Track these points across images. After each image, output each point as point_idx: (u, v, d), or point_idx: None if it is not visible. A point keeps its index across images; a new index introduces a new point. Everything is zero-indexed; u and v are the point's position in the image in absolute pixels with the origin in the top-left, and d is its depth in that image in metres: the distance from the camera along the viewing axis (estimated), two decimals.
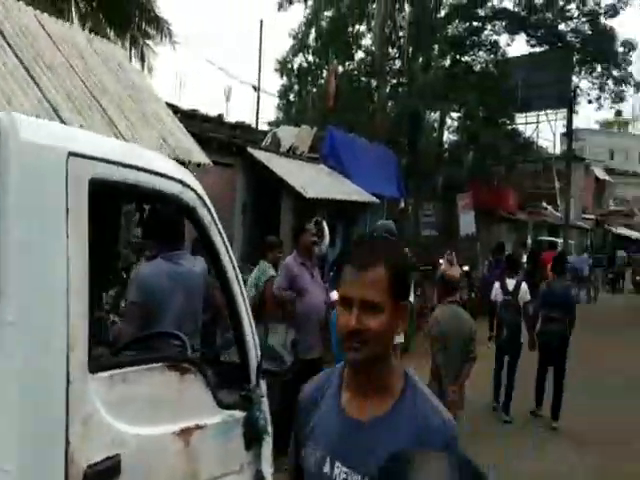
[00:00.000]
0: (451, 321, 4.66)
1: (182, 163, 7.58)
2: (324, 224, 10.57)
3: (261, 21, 20.51)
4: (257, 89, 19.02)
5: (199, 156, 7.69)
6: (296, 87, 21.58)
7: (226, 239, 2.05)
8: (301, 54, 20.83)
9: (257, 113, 18.35)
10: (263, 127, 17.26)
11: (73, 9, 13.82)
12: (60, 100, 5.74)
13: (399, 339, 5.37)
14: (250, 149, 10.19)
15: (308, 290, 5.07)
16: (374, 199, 12.42)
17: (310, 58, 20.88)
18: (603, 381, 8.91)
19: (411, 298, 5.40)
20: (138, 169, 1.67)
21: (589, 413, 7.22)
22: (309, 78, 20.95)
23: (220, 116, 12.23)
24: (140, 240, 5.21)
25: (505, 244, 19.39)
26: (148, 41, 15.03)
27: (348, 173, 12.76)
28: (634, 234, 43.53)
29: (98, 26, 12.72)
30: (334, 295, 9.30)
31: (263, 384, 2.17)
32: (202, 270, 3.13)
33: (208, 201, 1.97)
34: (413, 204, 18.13)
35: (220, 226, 2.02)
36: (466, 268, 15.65)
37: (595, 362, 10.17)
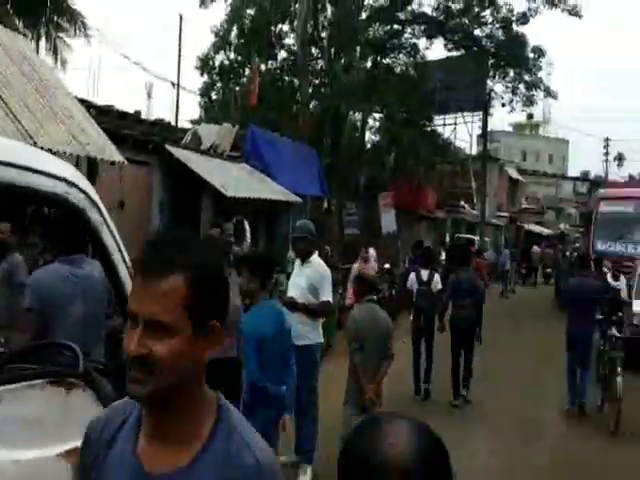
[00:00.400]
0: (368, 320, 4.66)
1: (94, 160, 7.26)
2: (245, 224, 10.45)
3: (180, 16, 20.03)
4: (177, 86, 18.56)
5: (112, 154, 7.38)
6: (218, 85, 21.24)
7: (120, 241, 1.92)
8: (223, 51, 20.52)
9: (177, 111, 17.93)
10: (184, 125, 16.85)
11: None
12: None
13: (318, 339, 5.34)
14: (168, 147, 9.89)
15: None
16: (297, 198, 12.40)
17: (232, 56, 20.61)
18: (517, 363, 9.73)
19: (329, 297, 5.37)
20: (13, 166, 1.52)
21: (504, 398, 7.82)
22: (231, 76, 20.67)
23: (137, 113, 11.82)
24: (37, 243, 4.89)
25: (424, 242, 19.94)
26: (61, 34, 14.34)
27: (270, 172, 12.67)
28: (544, 230, 45.92)
29: (5, 16, 11.96)
30: None
31: None
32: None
33: (99, 201, 1.84)
34: (336, 203, 18.25)
35: (112, 227, 1.89)
36: (387, 265, 15.95)
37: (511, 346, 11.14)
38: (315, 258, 5.34)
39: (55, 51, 14.28)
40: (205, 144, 12.44)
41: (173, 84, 18.96)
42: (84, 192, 1.76)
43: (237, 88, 20.35)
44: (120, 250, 1.90)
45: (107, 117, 9.87)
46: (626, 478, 5.63)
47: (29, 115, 6.21)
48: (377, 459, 0.94)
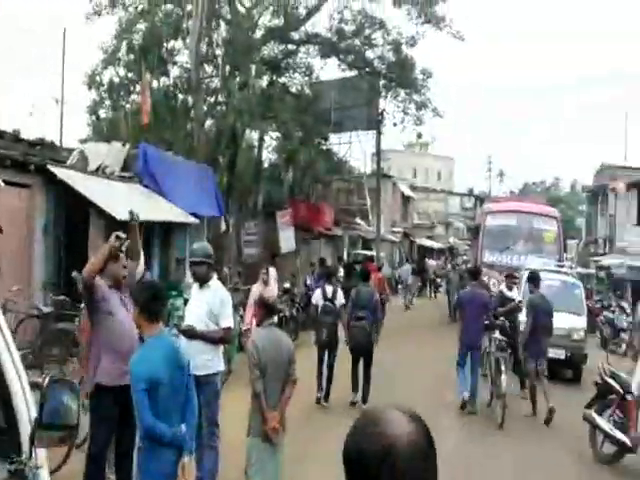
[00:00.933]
0: (269, 345, 4.49)
1: None
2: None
3: (64, 30, 19.01)
4: (61, 103, 17.56)
5: None
6: (107, 102, 20.34)
7: None
8: (112, 67, 19.72)
9: (61, 129, 16.89)
10: (72, 145, 15.90)
11: None
12: None
13: (219, 367, 5.11)
14: (51, 167, 9.26)
15: (118, 314, 4.59)
16: (193, 219, 12.04)
17: (122, 72, 19.85)
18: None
19: (230, 323, 5.17)
20: None
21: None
22: (121, 93, 19.88)
23: (16, 132, 11.01)
24: None
25: (325, 259, 20.13)
26: None
27: (165, 192, 12.24)
28: (435, 244, 48.05)
29: None
30: None
31: (42, 452, 1.79)
32: None
33: None
34: (235, 223, 17.99)
35: None
36: (287, 285, 15.88)
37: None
38: (214, 282, 5.13)
39: None
40: (93, 164, 11.81)
41: (57, 101, 17.90)
42: None
43: (128, 106, 19.61)
44: None
45: None
46: (508, 463, 6.81)
47: None
48: (384, 445, 1.04)
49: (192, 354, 4.52)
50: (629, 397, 6.63)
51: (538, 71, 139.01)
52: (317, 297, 8.75)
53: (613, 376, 7.01)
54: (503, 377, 8.06)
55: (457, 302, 10.06)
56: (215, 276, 5.25)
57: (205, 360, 4.81)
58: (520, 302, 9.84)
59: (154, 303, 3.71)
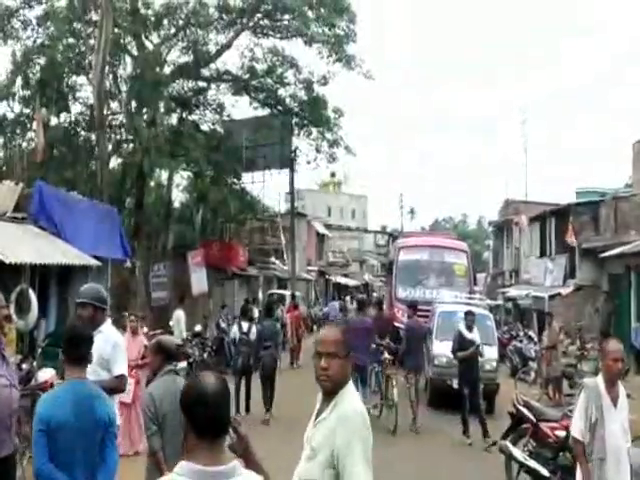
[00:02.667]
0: (168, 396, 3.97)
1: None
2: (30, 293, 9.11)
3: None
4: None
5: None
6: (0, 140, 19.07)
7: None
8: (5, 102, 18.56)
9: None
10: None
11: None
12: None
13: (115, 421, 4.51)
14: None
15: None
16: (94, 261, 11.22)
17: (17, 107, 18.73)
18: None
19: (124, 370, 4.61)
20: None
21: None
22: (17, 130, 18.71)
23: None
24: None
25: (239, 299, 19.58)
26: None
27: (63, 233, 11.37)
28: (350, 282, 48.44)
29: None
30: (47, 374, 7.90)
31: None
32: None
33: None
34: (142, 265, 17.12)
35: None
36: (198, 328, 15.20)
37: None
38: (106, 327, 4.58)
39: None
40: None
41: None
42: None
43: (24, 143, 18.46)
44: None
45: None
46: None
47: None
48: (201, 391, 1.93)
49: None
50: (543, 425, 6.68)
51: (446, 107, 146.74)
52: (234, 332, 11.22)
53: (526, 405, 7.12)
54: (395, 390, 10.18)
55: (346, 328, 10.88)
56: (109, 321, 4.71)
57: None
58: (479, 346, 9.79)
59: (73, 347, 3.43)
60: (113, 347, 4.47)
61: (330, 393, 2.61)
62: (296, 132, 21.99)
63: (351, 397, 2.63)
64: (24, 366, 8.05)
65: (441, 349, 11.70)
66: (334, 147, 21.15)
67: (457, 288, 16.81)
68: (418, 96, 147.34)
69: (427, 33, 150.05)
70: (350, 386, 2.67)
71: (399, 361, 11.25)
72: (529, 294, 22.89)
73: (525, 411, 6.97)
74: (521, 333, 19.73)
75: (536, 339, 17.64)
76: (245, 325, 10.89)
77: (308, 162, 22.41)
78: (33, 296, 9.12)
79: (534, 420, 6.81)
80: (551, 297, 20.44)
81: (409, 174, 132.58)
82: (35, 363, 8.36)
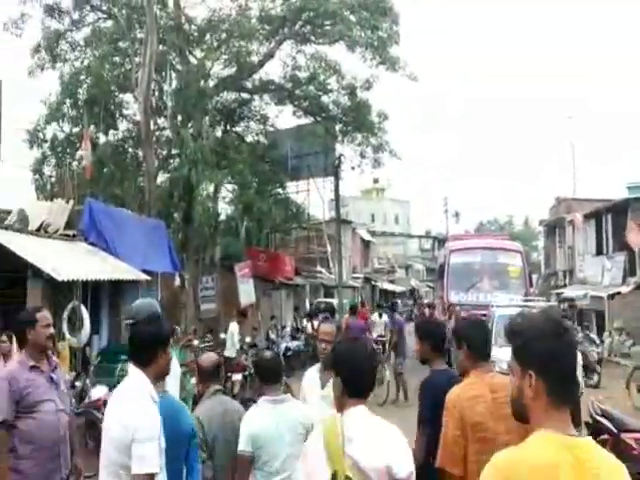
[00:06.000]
0: (217, 419, 3.75)
1: None
2: (83, 310, 9.14)
3: None
4: None
5: None
6: (52, 160, 19.52)
7: None
8: (55, 123, 19.01)
9: None
10: (13, 206, 15.00)
11: None
12: None
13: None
14: None
15: (43, 403, 3.83)
16: (144, 276, 11.25)
17: (67, 127, 19.17)
18: None
19: (174, 392, 4.45)
20: None
21: None
22: (67, 149, 19.13)
23: None
24: None
25: (284, 309, 19.42)
26: None
27: (113, 249, 11.47)
28: (397, 288, 47.85)
29: None
30: (100, 391, 7.86)
31: None
32: None
33: None
34: (191, 278, 17.18)
35: None
36: (248, 339, 15.03)
37: None
38: None
39: None
40: (33, 224, 11.00)
41: None
42: None
43: (74, 162, 18.85)
44: None
45: None
46: None
47: None
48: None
49: None
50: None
51: (487, 106, 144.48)
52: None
53: (605, 415, 6.56)
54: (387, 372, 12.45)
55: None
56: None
57: None
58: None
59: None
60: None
61: (327, 367, 3.57)
62: (340, 139, 21.82)
63: None
64: (77, 383, 8.06)
65: (501, 355, 11.22)
66: (379, 152, 20.89)
67: (512, 290, 16.29)
68: (459, 95, 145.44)
69: (461, 28, 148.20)
70: None
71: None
72: (587, 294, 21.97)
73: (604, 421, 6.47)
74: (581, 335, 18.92)
75: (598, 341, 16.87)
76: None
77: (352, 168, 22.24)
78: (85, 313, 9.16)
79: (615, 431, 6.31)
80: (610, 296, 19.56)
81: (452, 176, 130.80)
82: (88, 380, 8.35)
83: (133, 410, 2.80)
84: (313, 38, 19.79)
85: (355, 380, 2.51)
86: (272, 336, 17.62)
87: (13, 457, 3.69)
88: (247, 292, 19.02)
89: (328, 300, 27.55)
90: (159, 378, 3.09)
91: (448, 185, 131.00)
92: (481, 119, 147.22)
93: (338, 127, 21.41)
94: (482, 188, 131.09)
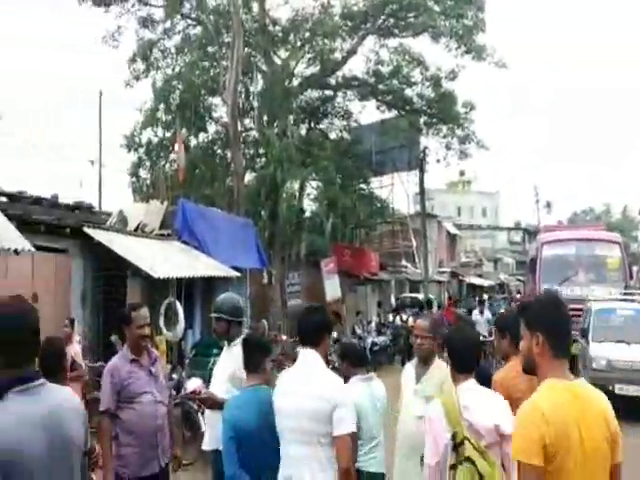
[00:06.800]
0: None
1: None
2: (178, 306, 9.61)
3: (100, 92, 19.44)
4: (99, 165, 17.73)
5: (16, 241, 6.52)
6: (147, 163, 20.59)
7: None
8: (150, 128, 20.03)
9: (99, 191, 17.00)
10: (114, 208, 16.01)
11: None
12: None
13: None
14: (87, 229, 9.06)
15: (142, 394, 4.10)
16: (234, 273, 11.65)
17: (160, 132, 20.15)
18: None
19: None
20: None
21: None
22: (161, 153, 20.12)
23: (54, 197, 10.97)
24: None
25: (369, 304, 19.45)
26: None
27: (205, 247, 11.95)
28: (485, 282, 46.55)
29: None
30: (194, 384, 8.26)
31: None
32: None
33: None
34: (278, 274, 17.59)
35: None
36: (334, 335, 15.23)
37: None
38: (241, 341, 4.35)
39: None
40: (132, 224, 11.67)
41: (92, 162, 18.10)
42: None
43: (167, 165, 19.80)
44: None
45: (19, 204, 9.06)
46: None
47: None
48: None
49: (213, 426, 4.02)
50: None
51: (576, 94, 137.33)
52: None
53: None
54: None
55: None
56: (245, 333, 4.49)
57: None
58: None
59: (250, 354, 3.55)
60: None
61: (424, 359, 3.95)
62: (424, 131, 21.55)
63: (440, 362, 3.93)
64: (174, 376, 8.47)
65: (599, 351, 10.70)
66: (465, 143, 20.46)
67: (610, 283, 15.46)
68: (547, 81, 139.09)
69: (549, 13, 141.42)
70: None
71: None
72: None
73: None
74: None
75: None
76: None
77: (438, 161, 21.94)
78: (180, 308, 9.60)
79: None
80: None
81: (543, 165, 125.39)
82: (184, 373, 8.76)
83: (326, 383, 3.14)
84: (396, 31, 19.65)
85: (463, 357, 3.24)
86: (358, 331, 17.73)
87: (116, 444, 3.97)
88: (333, 287, 19.21)
89: (414, 295, 27.30)
90: (325, 357, 3.39)
91: (538, 174, 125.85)
92: (570, 105, 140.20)
93: (422, 120, 21.15)
94: (575, 176, 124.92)
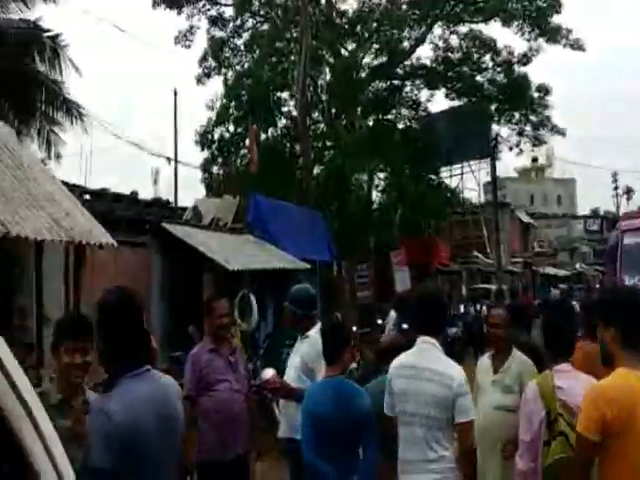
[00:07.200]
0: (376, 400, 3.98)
1: (79, 244, 6.77)
2: (251, 298, 9.84)
3: (175, 91, 20.09)
4: (175, 162, 18.36)
5: (101, 236, 6.88)
6: (219, 159, 21.11)
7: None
8: (222, 125, 20.52)
9: (175, 187, 17.60)
10: (188, 204, 16.54)
11: None
12: None
13: None
14: (165, 225, 9.42)
15: (220, 382, 4.26)
16: (305, 265, 11.81)
17: (231, 128, 20.60)
18: None
19: (353, 365, 4.68)
20: None
21: None
22: (232, 149, 20.58)
23: (134, 194, 11.47)
24: None
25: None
26: (55, 128, 14.25)
27: (276, 240, 12.16)
28: (559, 272, 44.88)
29: (1, 114, 11.85)
30: (268, 374, 8.43)
31: None
32: None
33: None
34: (347, 266, 17.67)
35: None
36: (405, 326, 15.18)
37: None
38: (314, 332, 4.25)
39: (49, 146, 14.16)
40: (206, 219, 12.03)
41: (169, 159, 18.74)
42: None
43: (238, 161, 20.24)
44: None
45: (101, 200, 9.53)
46: None
47: (2, 203, 5.76)
48: None
49: (289, 415, 4.13)
50: None
51: None
52: None
53: None
54: None
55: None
56: (316, 325, 4.40)
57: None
58: None
59: (328, 345, 3.62)
60: (318, 354, 4.00)
61: (501, 349, 4.18)
62: (496, 118, 20.99)
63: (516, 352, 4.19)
64: (249, 366, 8.70)
65: None
66: (539, 129, 19.79)
67: None
68: (623, 62, 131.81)
69: None
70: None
71: None
72: None
73: None
74: None
75: None
76: None
77: (510, 148, 21.36)
78: (254, 300, 9.84)
79: None
80: None
81: (623, 147, 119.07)
82: (258, 363, 8.98)
83: (449, 371, 3.31)
84: (466, 17, 19.21)
85: (559, 342, 3.45)
86: None
87: (196, 430, 4.15)
88: (402, 279, 19.12)
89: (486, 286, 26.73)
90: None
91: (618, 160, 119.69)
92: None
93: (494, 106, 20.61)
94: None
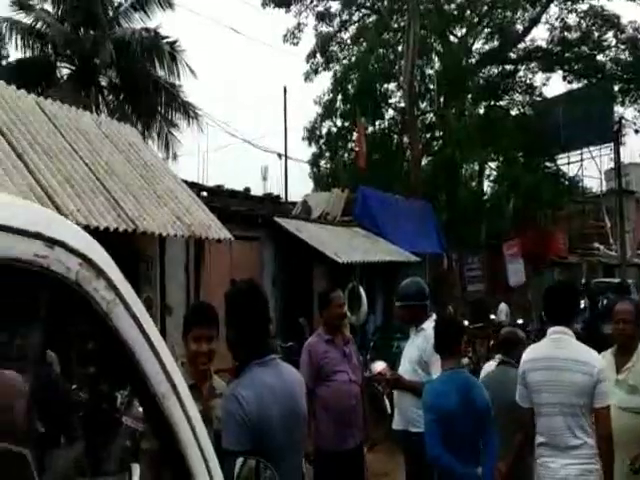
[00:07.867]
0: (497, 390, 3.81)
1: (199, 239, 7.16)
2: (361, 290, 9.90)
3: (284, 88, 20.51)
4: (284, 157, 18.79)
5: (219, 231, 7.22)
6: (327, 154, 21.34)
7: (152, 331, 1.25)
8: (329, 119, 20.73)
9: (285, 182, 18.02)
10: (297, 199, 16.92)
11: (101, 103, 14.11)
12: (56, 185, 5.39)
13: None
14: (277, 219, 9.70)
15: (337, 373, 4.31)
16: (414, 257, 11.70)
17: (339, 122, 20.76)
18: None
19: (465, 360, 4.61)
20: None
21: None
22: (339, 143, 20.74)
23: (247, 190, 11.90)
24: None
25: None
26: (172, 129, 15.13)
27: (384, 233, 12.15)
28: None
29: (125, 117, 12.79)
30: (379, 366, 8.46)
31: None
32: None
33: (113, 271, 1.15)
34: (457, 259, 17.27)
35: (141, 313, 1.19)
36: (520, 321, 14.65)
37: None
38: (428, 325, 4.17)
39: (167, 146, 15.07)
40: (315, 213, 12.24)
41: (280, 155, 19.20)
42: (80, 254, 1.07)
43: (346, 154, 20.36)
44: (153, 347, 1.24)
45: (218, 197, 9.97)
46: None
47: (132, 200, 6.20)
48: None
49: (403, 407, 4.18)
50: None
51: None
52: None
53: None
54: None
55: None
56: (431, 318, 4.33)
57: (417, 415, 4.00)
58: None
59: (444, 338, 3.62)
60: (433, 347, 3.95)
61: (626, 347, 3.72)
62: (619, 100, 19.54)
63: None
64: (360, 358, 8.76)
65: None
66: None
67: None
68: None
69: None
70: None
71: None
72: None
73: None
74: None
75: None
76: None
77: (636, 131, 19.80)
78: (363, 293, 9.89)
79: None
80: None
81: None
82: (368, 355, 9.02)
83: (590, 359, 3.36)
84: None
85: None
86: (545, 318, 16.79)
87: (314, 420, 4.23)
88: (516, 272, 18.40)
89: (608, 280, 25.05)
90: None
91: None
92: None
93: (617, 87, 19.20)
94: None
